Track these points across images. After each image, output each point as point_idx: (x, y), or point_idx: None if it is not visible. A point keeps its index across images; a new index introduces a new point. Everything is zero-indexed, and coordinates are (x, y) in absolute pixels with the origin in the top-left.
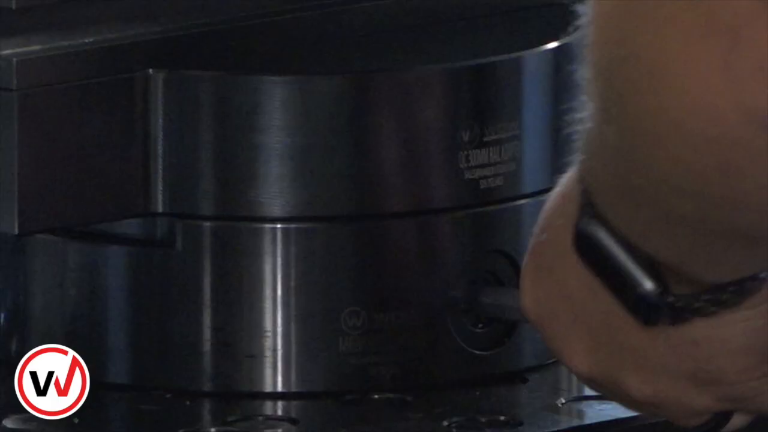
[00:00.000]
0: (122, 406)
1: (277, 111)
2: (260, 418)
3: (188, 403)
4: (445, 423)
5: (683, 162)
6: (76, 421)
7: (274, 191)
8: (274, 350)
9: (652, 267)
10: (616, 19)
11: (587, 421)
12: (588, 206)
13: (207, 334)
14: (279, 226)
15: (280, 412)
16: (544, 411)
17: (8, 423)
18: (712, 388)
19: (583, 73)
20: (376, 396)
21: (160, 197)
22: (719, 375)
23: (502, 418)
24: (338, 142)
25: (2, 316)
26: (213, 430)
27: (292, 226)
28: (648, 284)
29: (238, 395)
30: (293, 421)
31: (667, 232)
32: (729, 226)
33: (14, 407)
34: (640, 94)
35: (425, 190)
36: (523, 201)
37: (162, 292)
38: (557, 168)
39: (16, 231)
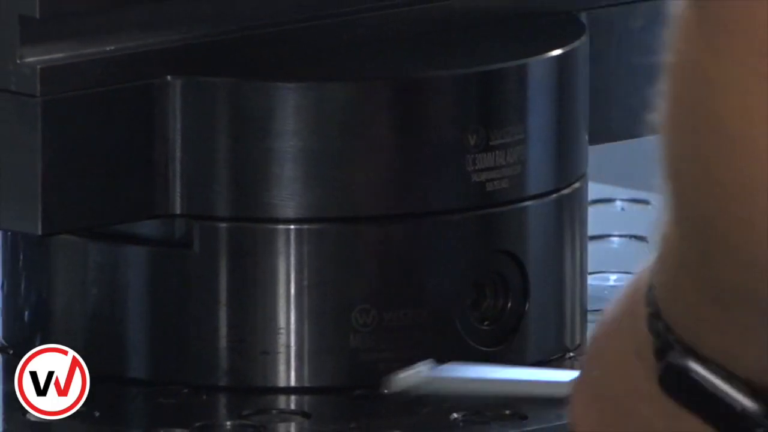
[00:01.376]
0: (141, 400)
1: (290, 116)
2: (274, 412)
3: (205, 397)
4: (453, 417)
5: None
6: (97, 414)
7: (288, 193)
8: (288, 347)
9: (750, 389)
10: (687, 79)
11: None
12: (670, 339)
13: (223, 331)
14: (292, 227)
15: (293, 407)
16: (547, 406)
17: (33, 416)
18: None
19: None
20: (386, 391)
21: (177, 199)
22: None
23: (507, 412)
24: (349, 146)
25: (26, 313)
26: (228, 423)
27: (305, 227)
28: (749, 403)
29: (253, 390)
30: (306, 415)
31: (761, 337)
32: None
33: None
34: (728, 169)
35: (433, 192)
36: (527, 203)
37: (180, 291)
38: (560, 170)
39: (40, 231)
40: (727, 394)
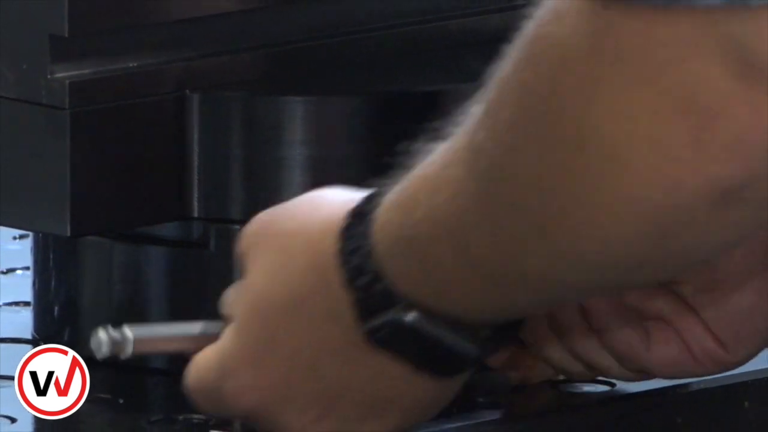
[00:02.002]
0: (161, 389)
1: (297, 127)
2: None
3: None
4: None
5: (618, 231)
6: (121, 401)
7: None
8: None
9: (470, 333)
10: (570, 107)
11: (564, 400)
12: (393, 297)
13: None
14: None
15: None
16: (530, 392)
17: None
18: None
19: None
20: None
21: (195, 203)
22: None
23: (498, 396)
24: (350, 155)
25: (56, 308)
26: None
27: None
28: (473, 351)
29: None
30: None
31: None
32: (615, 284)
33: None
34: (598, 175)
35: None
36: None
37: (197, 287)
38: None
39: (69, 233)
40: (451, 341)
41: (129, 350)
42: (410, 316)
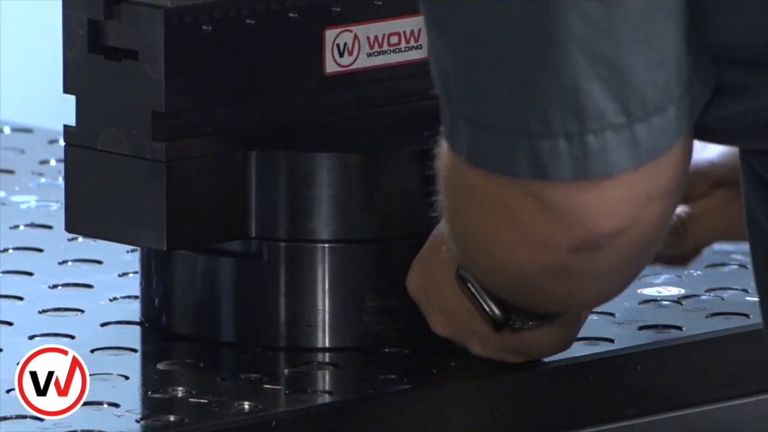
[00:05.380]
0: (230, 356)
1: (324, 174)
2: (315, 363)
3: (271, 354)
4: (426, 368)
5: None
6: (202, 365)
7: (323, 224)
8: (324, 321)
9: (501, 302)
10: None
11: (510, 365)
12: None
13: (282, 311)
14: (327, 245)
15: (327, 360)
16: (490, 360)
17: (161, 366)
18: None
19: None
20: (386, 350)
21: (253, 227)
22: (531, 353)
23: (464, 363)
24: (362, 194)
25: (156, 300)
26: (286, 371)
27: (335, 245)
28: (497, 313)
29: (302, 349)
30: (335, 365)
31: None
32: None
33: (164, 356)
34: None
35: (416, 222)
36: None
37: (255, 287)
38: None
39: (165, 248)
40: (486, 302)
41: None
42: (466, 272)
